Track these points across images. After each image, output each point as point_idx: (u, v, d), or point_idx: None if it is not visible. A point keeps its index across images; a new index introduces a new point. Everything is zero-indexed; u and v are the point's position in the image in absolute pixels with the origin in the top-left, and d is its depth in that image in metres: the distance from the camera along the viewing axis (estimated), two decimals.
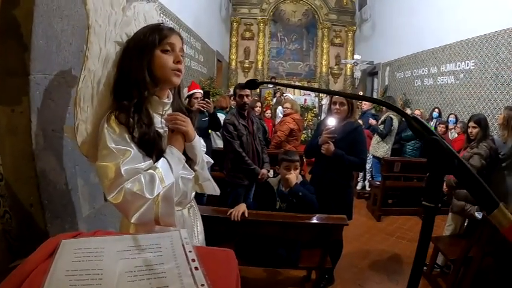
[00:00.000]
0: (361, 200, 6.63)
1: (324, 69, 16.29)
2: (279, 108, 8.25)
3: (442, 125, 6.45)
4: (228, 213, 2.78)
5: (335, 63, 16.45)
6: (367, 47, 14.50)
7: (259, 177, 4.01)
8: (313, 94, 14.08)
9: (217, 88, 10.83)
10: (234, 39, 16.12)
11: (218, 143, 5.11)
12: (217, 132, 4.99)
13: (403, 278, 3.83)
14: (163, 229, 1.27)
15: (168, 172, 1.34)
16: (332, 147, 3.22)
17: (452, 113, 7.37)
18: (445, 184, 3.99)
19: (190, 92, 4.44)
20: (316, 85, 15.45)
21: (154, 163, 1.37)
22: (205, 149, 1.79)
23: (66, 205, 1.88)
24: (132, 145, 1.32)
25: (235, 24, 16.06)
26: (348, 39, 16.40)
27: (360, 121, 5.57)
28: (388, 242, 4.82)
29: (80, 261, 0.89)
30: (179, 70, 1.45)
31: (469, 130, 3.92)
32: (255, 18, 16.11)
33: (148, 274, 0.85)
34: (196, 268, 0.87)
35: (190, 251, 0.95)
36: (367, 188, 6.98)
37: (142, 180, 1.26)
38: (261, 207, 2.97)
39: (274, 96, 11.89)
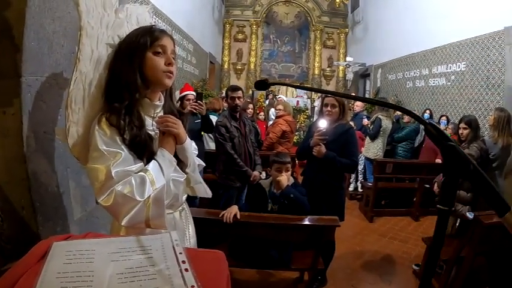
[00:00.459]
0: (353, 201, 6.65)
1: (317, 71, 16.36)
2: (272, 110, 8.26)
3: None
4: (220, 215, 2.77)
5: (327, 65, 16.54)
6: (359, 49, 14.57)
7: (251, 179, 4.00)
8: (305, 96, 14.13)
9: (210, 90, 10.83)
10: (226, 41, 16.13)
11: (211, 145, 5.10)
12: (210, 134, 4.97)
13: (396, 278, 3.86)
14: (153, 231, 1.27)
15: (159, 174, 1.34)
16: (323, 149, 3.23)
17: (443, 115, 7.42)
18: (436, 185, 4.03)
19: (183, 94, 4.42)
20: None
21: (145, 165, 1.36)
22: (196, 152, 1.79)
23: (57, 208, 1.87)
24: (123, 147, 1.31)
25: (227, 26, 16.08)
26: (340, 41, 16.49)
27: (352, 123, 5.60)
28: (380, 242, 4.84)
29: (71, 264, 0.89)
30: (170, 72, 1.44)
31: (460, 131, 3.96)
32: (248, 20, 16.14)
33: (139, 276, 0.85)
34: (186, 270, 0.87)
35: (180, 253, 0.95)
36: (360, 189, 7.01)
37: (133, 182, 1.26)
38: (253, 209, 2.98)
39: (266, 98, 11.91)
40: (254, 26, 16.10)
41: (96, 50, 1.42)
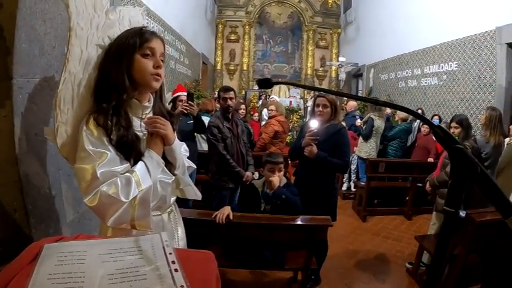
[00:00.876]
0: (346, 201, 6.67)
1: (309, 71, 16.43)
2: (264, 111, 8.28)
3: (426, 126, 6.52)
4: (213, 216, 2.78)
5: (320, 65, 16.61)
6: (351, 49, 14.63)
7: (244, 179, 4.01)
8: (298, 96, 14.15)
9: (203, 91, 10.81)
10: (219, 42, 16.15)
11: (204, 146, 5.08)
12: (203, 135, 4.97)
13: (390, 277, 3.88)
14: (140, 233, 1.27)
15: (145, 176, 1.35)
16: (315, 149, 3.24)
17: (436, 114, 7.48)
18: (428, 184, 4.05)
19: (175, 95, 4.42)
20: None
21: (132, 166, 1.37)
22: (187, 153, 1.79)
23: (50, 210, 1.86)
24: (110, 148, 1.32)
25: (220, 26, 16.09)
26: (333, 41, 16.57)
27: (343, 123, 5.62)
28: (374, 241, 4.87)
29: (63, 265, 0.90)
30: (158, 75, 1.44)
31: (452, 130, 3.97)
32: (241, 21, 16.17)
33: (129, 277, 0.86)
34: (176, 270, 0.88)
35: (170, 253, 0.96)
36: (353, 189, 7.03)
37: (119, 183, 1.26)
38: (245, 209, 2.98)
39: (259, 99, 11.92)
40: (247, 27, 16.13)
41: (86, 51, 1.42)
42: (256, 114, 8.67)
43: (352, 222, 5.59)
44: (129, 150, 1.38)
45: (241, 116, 5.72)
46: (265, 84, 1.14)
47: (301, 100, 13.79)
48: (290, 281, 3.60)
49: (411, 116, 7.36)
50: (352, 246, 4.63)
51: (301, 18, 16.36)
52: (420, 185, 5.55)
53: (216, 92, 5.02)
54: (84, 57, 1.42)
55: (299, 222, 2.88)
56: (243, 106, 6.45)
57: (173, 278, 0.85)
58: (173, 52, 8.91)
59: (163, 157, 1.50)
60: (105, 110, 1.34)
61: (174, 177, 1.55)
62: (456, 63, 7.49)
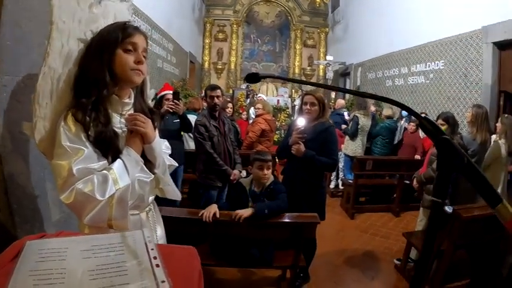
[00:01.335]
0: (334, 199, 6.71)
1: (297, 70, 16.45)
2: (252, 109, 8.28)
3: (412, 124, 6.59)
4: (200, 214, 2.76)
5: (308, 64, 16.65)
6: (339, 48, 14.70)
7: (231, 178, 4.00)
8: (286, 95, 14.18)
9: (190, 90, 10.77)
10: (207, 41, 16.09)
11: (191, 144, 5.07)
12: (190, 134, 4.95)
13: (378, 273, 3.90)
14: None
15: (123, 174, 1.33)
16: (302, 147, 3.22)
17: (423, 112, 7.53)
18: (415, 180, 4.08)
19: (162, 94, 4.40)
20: (289, 86, 15.55)
21: (110, 163, 1.34)
22: (169, 151, 1.77)
23: (35, 209, 1.84)
24: (87, 144, 1.29)
25: (208, 25, 16.03)
26: (321, 40, 16.62)
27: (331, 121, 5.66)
28: (362, 239, 4.90)
29: (44, 262, 0.89)
30: (140, 70, 1.42)
31: None
32: (228, 20, 16.13)
33: (110, 272, 0.85)
34: (157, 265, 0.88)
35: (152, 249, 0.95)
36: (340, 187, 7.07)
37: (95, 180, 1.24)
38: (233, 207, 2.96)
39: (247, 97, 11.91)
40: (235, 26, 16.10)
41: (67, 45, 1.39)
42: (245, 112, 8.66)
43: (341, 220, 5.62)
44: (107, 147, 1.36)
45: (229, 115, 5.71)
46: (253, 78, 1.13)
47: (289, 99, 13.82)
48: (279, 279, 3.60)
49: (397, 114, 7.45)
50: (340, 244, 4.65)
51: (289, 17, 16.39)
52: (407, 182, 5.60)
53: (203, 91, 5.02)
54: (64, 51, 1.39)
55: (286, 220, 2.88)
56: (230, 105, 6.44)
57: (154, 273, 0.85)
58: (160, 51, 8.85)
59: (143, 155, 1.47)
60: (84, 106, 1.32)
61: (153, 176, 1.51)
62: (443, 62, 7.55)
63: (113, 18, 1.58)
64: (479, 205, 3.23)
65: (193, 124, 4.19)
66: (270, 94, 14.20)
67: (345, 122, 7.28)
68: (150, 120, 1.50)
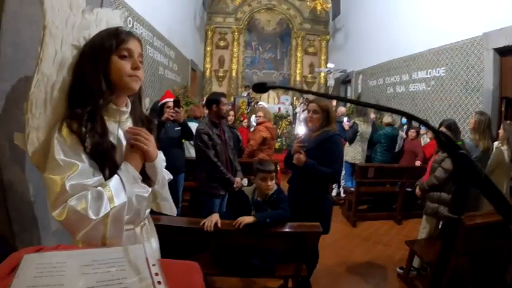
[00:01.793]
0: (336, 207, 6.64)
1: (298, 78, 16.49)
2: (253, 117, 8.28)
3: (412, 130, 6.58)
4: (201, 224, 2.73)
5: (309, 72, 16.70)
6: (340, 56, 14.72)
7: (234, 185, 3.97)
8: (287, 102, 14.17)
9: (192, 97, 10.77)
10: (208, 48, 16.15)
11: (192, 152, 5.04)
12: (191, 142, 4.93)
13: (380, 282, 3.87)
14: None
15: (120, 191, 1.26)
16: (302, 157, 3.15)
17: (424, 119, 7.50)
18: (418, 188, 4.06)
19: (163, 101, 4.39)
20: (290, 93, 15.53)
21: (107, 177, 1.29)
22: (164, 164, 1.70)
23: (34, 218, 1.83)
24: (83, 157, 1.24)
25: (209, 33, 16.10)
26: (322, 48, 16.67)
27: None
28: (364, 246, 4.87)
29: (42, 277, 0.85)
30: (137, 76, 1.38)
31: None
32: (230, 27, 16.21)
33: None
34: (159, 282, 0.85)
35: (153, 265, 0.92)
36: (342, 195, 7.03)
37: (89, 197, 1.18)
38: (235, 216, 2.93)
39: (248, 105, 11.92)
40: (236, 33, 16.17)
41: (60, 51, 1.34)
42: (246, 120, 8.65)
43: (342, 228, 5.58)
44: (104, 159, 1.30)
45: (230, 123, 5.70)
46: (261, 88, 1.08)
47: (290, 107, 13.80)
48: None
49: (397, 122, 7.45)
50: (342, 252, 4.61)
51: (290, 25, 16.45)
52: (409, 189, 5.57)
53: (205, 99, 4.99)
54: (58, 58, 1.34)
55: (287, 230, 2.85)
56: (232, 112, 6.44)
57: None
58: (162, 58, 8.86)
59: (142, 170, 1.42)
60: (79, 116, 1.26)
61: (150, 190, 1.46)
62: (444, 69, 7.55)
63: (105, 25, 1.52)
64: (482, 213, 3.21)
65: (193, 132, 4.17)
66: (271, 102, 14.20)
67: (343, 129, 7.26)
68: (152, 137, 1.44)
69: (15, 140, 1.36)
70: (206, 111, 4.72)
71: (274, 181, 3.13)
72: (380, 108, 0.86)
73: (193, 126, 4.44)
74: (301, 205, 3.20)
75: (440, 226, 3.98)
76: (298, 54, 16.47)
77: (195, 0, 13.62)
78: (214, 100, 4.00)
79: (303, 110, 11.27)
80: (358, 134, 6.54)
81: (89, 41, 1.39)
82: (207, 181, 3.97)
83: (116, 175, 1.29)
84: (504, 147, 3.96)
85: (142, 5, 7.02)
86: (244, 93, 13.78)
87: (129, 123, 1.48)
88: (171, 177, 1.77)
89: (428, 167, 4.14)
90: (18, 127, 1.68)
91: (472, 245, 3.14)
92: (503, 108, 6.02)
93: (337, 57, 14.94)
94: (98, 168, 1.28)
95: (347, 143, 6.74)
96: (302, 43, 16.50)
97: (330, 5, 13.66)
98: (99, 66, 1.32)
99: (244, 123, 8.45)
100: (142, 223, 1.54)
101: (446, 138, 0.73)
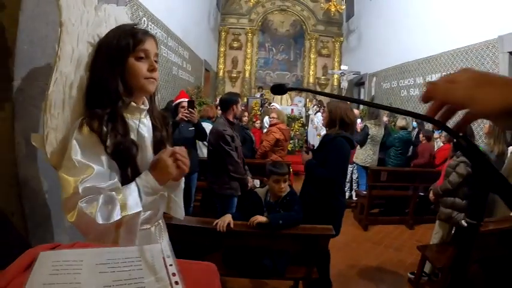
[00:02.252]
0: (348, 210, 6.60)
1: (311, 80, 16.45)
2: (266, 118, 8.27)
3: (421, 135, 6.51)
4: (214, 224, 2.73)
5: (322, 74, 16.65)
6: (353, 58, 14.66)
7: (249, 185, 3.96)
8: (300, 104, 14.13)
9: (205, 97, 10.81)
10: (222, 49, 16.21)
11: (204, 152, 5.05)
12: (205, 142, 4.94)
13: (391, 287, 3.84)
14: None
15: (135, 201, 1.23)
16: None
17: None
18: (431, 193, 4.02)
19: (178, 101, 4.41)
20: (303, 95, 15.47)
21: (129, 176, 1.29)
22: None
23: (48, 214, 1.84)
24: (102, 158, 1.22)
25: (223, 33, 16.16)
26: (335, 49, 16.62)
27: None
28: (375, 250, 4.83)
29: (58, 275, 0.85)
30: (154, 78, 1.37)
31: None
32: (243, 28, 16.25)
33: None
34: (176, 283, 0.84)
35: (171, 265, 0.91)
36: (354, 198, 6.99)
37: (100, 201, 1.16)
38: (247, 217, 2.92)
39: (261, 106, 11.92)
40: (249, 34, 16.20)
41: (77, 48, 1.33)
42: (258, 121, 8.65)
43: (354, 231, 5.56)
44: (126, 159, 1.29)
45: (244, 123, 5.70)
46: (279, 90, 1.05)
47: (303, 108, 13.76)
48: None
49: (411, 125, 7.37)
50: (353, 255, 4.59)
51: (304, 27, 16.43)
52: (422, 194, 5.52)
53: (218, 99, 4.99)
54: (75, 55, 1.32)
55: (299, 232, 2.84)
56: (246, 113, 6.46)
57: None
58: (176, 58, 8.91)
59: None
60: (99, 116, 1.24)
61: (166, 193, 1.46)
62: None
63: (114, 22, 1.52)
64: (495, 219, 3.17)
65: (207, 132, 4.18)
66: (284, 103, 14.17)
67: (356, 132, 7.22)
68: (188, 161, 1.39)
69: (32, 141, 1.34)
70: (219, 112, 4.72)
71: (287, 183, 3.11)
72: (396, 111, 0.83)
73: (206, 126, 4.45)
74: (306, 207, 3.18)
75: (453, 232, 3.94)
76: (312, 56, 16.44)
77: (209, 1, 13.68)
78: (233, 101, 3.94)
79: (315, 113, 11.25)
80: (369, 136, 6.49)
81: (103, 39, 1.37)
82: (228, 183, 3.89)
83: (134, 184, 1.27)
84: None
85: (157, 5, 7.09)
86: (258, 94, 13.79)
87: (147, 120, 1.48)
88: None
89: (443, 171, 4.10)
90: (35, 124, 1.71)
91: (485, 251, 3.11)
92: None
93: (351, 59, 14.89)
94: (117, 171, 1.27)
95: (358, 145, 6.69)
96: (316, 45, 16.46)
97: (343, 7, 13.60)
98: (116, 69, 1.30)
99: (257, 124, 8.45)
100: (156, 222, 1.54)
101: (468, 142, 0.72)
